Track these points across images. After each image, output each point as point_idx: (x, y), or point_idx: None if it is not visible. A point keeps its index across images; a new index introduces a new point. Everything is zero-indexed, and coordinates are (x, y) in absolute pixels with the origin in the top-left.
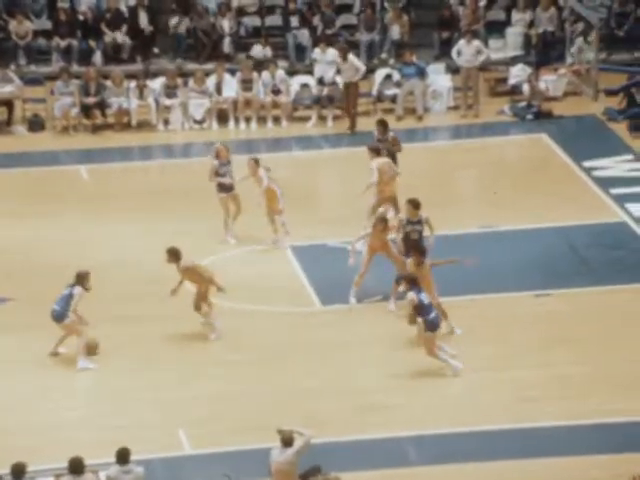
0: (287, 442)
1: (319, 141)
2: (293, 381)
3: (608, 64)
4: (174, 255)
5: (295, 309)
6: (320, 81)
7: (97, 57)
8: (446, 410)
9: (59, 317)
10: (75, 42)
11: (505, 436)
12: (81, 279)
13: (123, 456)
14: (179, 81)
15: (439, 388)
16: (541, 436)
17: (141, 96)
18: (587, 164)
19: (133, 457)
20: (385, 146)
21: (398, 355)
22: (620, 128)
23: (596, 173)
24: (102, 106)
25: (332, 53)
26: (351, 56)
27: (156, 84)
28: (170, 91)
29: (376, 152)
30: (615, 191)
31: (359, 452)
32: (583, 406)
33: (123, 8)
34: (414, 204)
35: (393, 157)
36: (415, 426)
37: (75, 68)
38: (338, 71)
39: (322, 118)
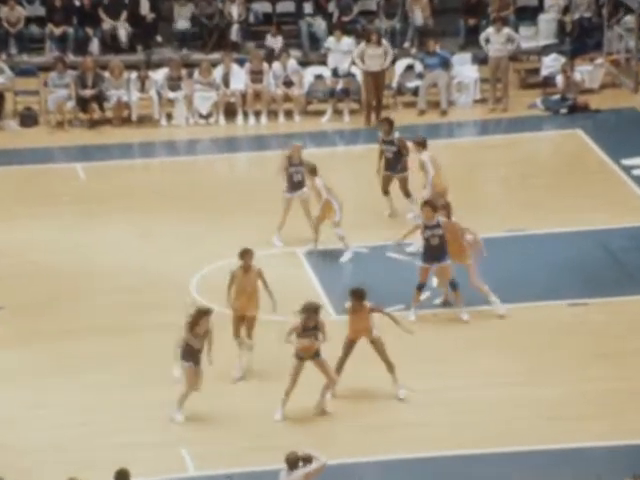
0: (292, 464)
1: (334, 137)
2: (305, 397)
3: None
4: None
5: None
6: (334, 72)
7: (94, 46)
8: (471, 429)
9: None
10: (71, 30)
11: (537, 458)
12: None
13: (122, 477)
14: (183, 72)
15: (464, 404)
16: (576, 458)
17: (142, 88)
18: (626, 162)
19: (133, 479)
20: (390, 149)
21: (418, 369)
22: None
23: (636, 172)
24: (100, 99)
25: (347, 42)
26: (384, 40)
27: (158, 75)
28: (174, 83)
29: (422, 145)
30: None
31: (377, 473)
32: (622, 426)
33: None
34: (431, 206)
35: (399, 160)
36: (437, 446)
37: (71, 58)
38: (353, 62)
39: (338, 112)
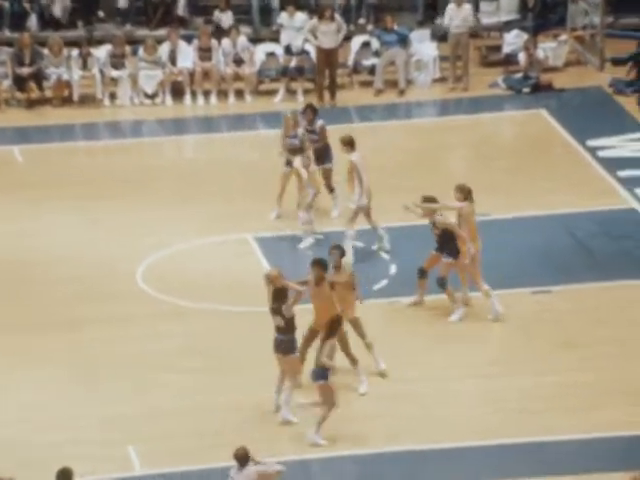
0: (242, 459)
1: None
2: (258, 391)
3: (615, 29)
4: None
5: (259, 309)
6: (287, 50)
7: (32, 21)
8: (435, 423)
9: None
10: (7, 4)
11: (504, 452)
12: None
13: (65, 477)
14: (127, 49)
15: (427, 397)
16: (545, 452)
17: (84, 66)
18: (592, 143)
19: (77, 479)
20: (312, 137)
21: (387, 362)
22: (629, 102)
23: (602, 153)
24: (38, 78)
25: (301, 18)
26: (337, 16)
27: (101, 53)
28: (117, 61)
29: (350, 144)
30: (623, 174)
31: (339, 467)
32: (592, 419)
33: None
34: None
35: (320, 151)
36: (396, 440)
37: (7, 34)
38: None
39: (291, 92)
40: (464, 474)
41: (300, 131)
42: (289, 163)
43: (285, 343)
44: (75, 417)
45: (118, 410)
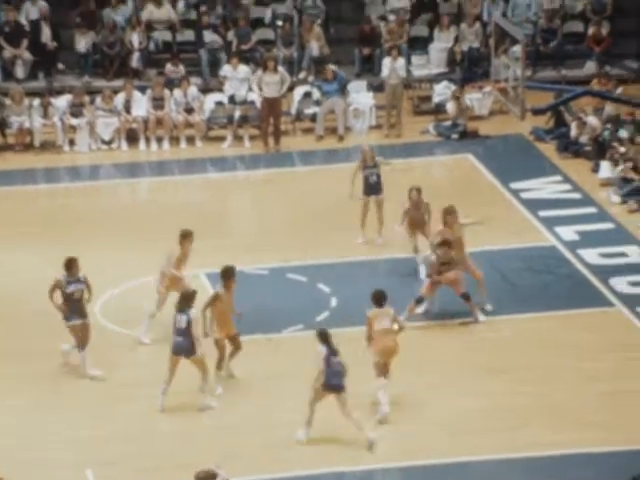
0: None
1: (235, 162)
2: (210, 416)
3: (534, 81)
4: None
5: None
6: (231, 99)
7: None
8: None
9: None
10: None
11: (436, 471)
12: (189, 300)
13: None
14: (86, 99)
15: (365, 421)
16: (473, 471)
17: (45, 115)
18: (514, 185)
19: None
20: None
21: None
22: (548, 148)
23: (524, 195)
24: (1, 126)
25: (244, 70)
26: (281, 67)
27: (61, 102)
28: (76, 110)
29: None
30: (544, 214)
31: None
32: (517, 440)
33: (24, 21)
34: (446, 244)
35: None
36: (333, 462)
37: None
38: (250, 89)
39: (238, 138)
40: None
41: (379, 159)
42: (365, 191)
43: (187, 345)
44: (33, 441)
45: (76, 434)
